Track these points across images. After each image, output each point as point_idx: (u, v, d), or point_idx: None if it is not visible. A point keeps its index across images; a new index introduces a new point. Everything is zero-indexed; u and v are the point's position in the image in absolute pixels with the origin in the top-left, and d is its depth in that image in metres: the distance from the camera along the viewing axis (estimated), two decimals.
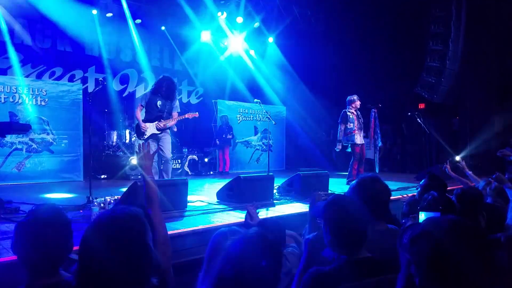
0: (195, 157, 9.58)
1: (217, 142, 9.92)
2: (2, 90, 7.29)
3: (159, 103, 6.00)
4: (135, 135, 8.76)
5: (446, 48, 9.42)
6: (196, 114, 6.40)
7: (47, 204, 1.62)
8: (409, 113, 10.65)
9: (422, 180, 3.02)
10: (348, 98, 7.15)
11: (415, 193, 3.25)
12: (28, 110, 7.51)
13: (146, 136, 5.92)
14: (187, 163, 9.36)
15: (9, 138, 7.17)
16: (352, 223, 1.68)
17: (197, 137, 10.75)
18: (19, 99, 7.44)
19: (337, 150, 7.08)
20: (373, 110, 7.45)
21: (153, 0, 10.12)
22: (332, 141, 12.19)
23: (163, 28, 10.73)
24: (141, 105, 6.11)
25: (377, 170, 7.69)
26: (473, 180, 4.19)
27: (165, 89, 6.00)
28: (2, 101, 7.29)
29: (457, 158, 6.05)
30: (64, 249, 1.52)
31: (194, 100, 12.18)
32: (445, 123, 10.84)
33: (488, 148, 9.63)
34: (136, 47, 10.80)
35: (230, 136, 9.96)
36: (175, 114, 6.15)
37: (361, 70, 11.02)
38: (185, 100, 11.95)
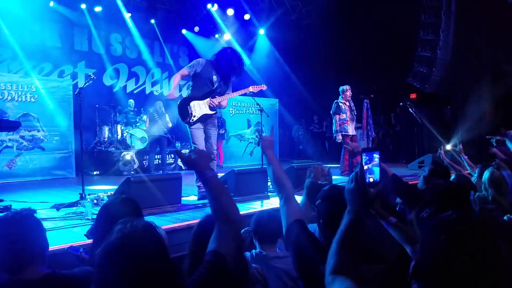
0: (188, 151, 9.54)
1: None
2: None
3: (214, 78, 4.76)
4: (126, 130, 8.71)
5: (437, 38, 9.44)
6: (264, 87, 5.30)
7: (22, 209, 1.61)
8: (401, 103, 10.72)
9: (426, 169, 3.01)
10: (340, 88, 7.16)
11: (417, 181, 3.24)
12: (18, 107, 7.41)
13: (195, 119, 4.69)
14: None
15: None
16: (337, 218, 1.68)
17: None
18: (8, 96, 7.33)
19: (339, 141, 7.02)
20: (365, 101, 7.48)
21: None
22: (325, 132, 12.25)
23: (152, 21, 10.62)
24: (188, 73, 4.77)
25: None
26: (468, 166, 4.21)
27: (229, 65, 4.74)
28: None
29: (448, 147, 6.09)
30: (35, 249, 1.53)
31: (186, 94, 12.09)
32: (437, 112, 10.91)
33: (479, 136, 9.72)
34: (126, 41, 10.70)
35: (223, 131, 9.92)
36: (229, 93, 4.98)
37: (353, 61, 11.02)
38: (177, 93, 11.86)
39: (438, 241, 0.96)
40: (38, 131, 7.65)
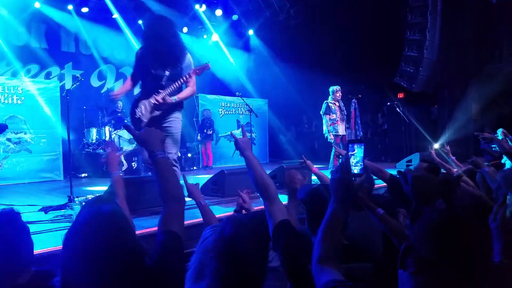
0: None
1: (198, 137, 9.86)
2: None
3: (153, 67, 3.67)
4: (115, 132, 8.64)
5: (424, 37, 9.57)
6: (208, 66, 4.08)
7: (3, 210, 1.58)
8: (389, 103, 10.84)
9: (417, 165, 3.07)
10: (331, 88, 7.21)
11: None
12: (4, 109, 7.30)
13: (143, 124, 3.64)
14: None
15: None
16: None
17: None
18: None
19: (331, 141, 7.04)
20: (353, 100, 7.55)
21: None
22: (314, 132, 12.32)
23: (140, 22, 10.55)
24: (131, 76, 3.89)
25: None
26: (455, 166, 4.28)
27: (160, 39, 3.56)
28: None
29: (436, 146, 6.19)
30: (23, 254, 1.50)
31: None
32: (424, 111, 11.07)
33: (465, 135, 9.89)
34: (114, 42, 10.61)
35: (211, 132, 9.89)
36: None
37: (340, 61, 11.10)
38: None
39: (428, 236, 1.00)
40: (25, 133, 7.55)
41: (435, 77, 10.08)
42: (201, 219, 2.40)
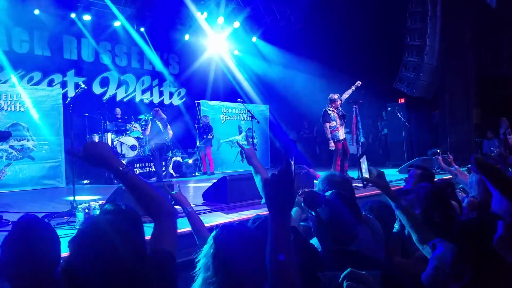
0: (179, 158, 9.54)
1: (198, 143, 9.88)
2: None
3: None
4: (117, 138, 8.68)
5: (423, 43, 9.61)
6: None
7: (30, 217, 1.60)
8: (389, 108, 10.87)
9: (411, 171, 3.09)
10: (329, 96, 7.15)
11: (401, 186, 3.31)
12: (7, 117, 7.35)
13: None
14: (171, 165, 9.31)
15: None
16: (343, 224, 1.71)
17: (180, 138, 10.73)
18: None
19: (332, 148, 7.03)
20: (354, 106, 7.54)
21: (131, 2, 10.02)
22: (315, 137, 12.34)
23: (142, 29, 10.65)
24: None
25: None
26: (459, 174, 4.29)
27: None
28: None
29: (438, 151, 6.20)
30: (52, 262, 1.51)
31: (176, 101, 12.12)
32: (425, 116, 11.08)
33: (467, 140, 9.91)
34: (116, 49, 10.70)
35: (211, 137, 9.91)
36: None
37: (340, 67, 11.16)
38: (167, 101, 11.88)
39: None
40: (28, 140, 7.59)
41: (435, 82, 10.11)
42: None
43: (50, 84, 9.35)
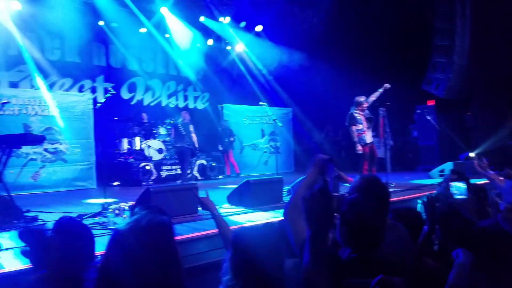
0: (203, 162, 9.67)
1: (220, 147, 9.99)
2: (16, 103, 7.45)
3: None
4: (144, 141, 8.90)
5: (453, 43, 9.37)
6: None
7: (69, 218, 1.72)
8: (419, 110, 10.60)
9: (446, 176, 3.06)
10: (356, 99, 6.99)
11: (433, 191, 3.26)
12: (41, 121, 7.68)
13: None
14: (196, 168, 9.47)
15: (24, 149, 7.32)
16: (369, 227, 1.69)
17: (205, 142, 10.86)
18: (32, 110, 7.62)
19: (360, 152, 6.91)
20: (381, 108, 7.37)
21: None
22: (340, 141, 12.18)
23: (167, 36, 10.85)
24: None
25: (388, 169, 7.54)
26: (495, 179, 4.16)
27: None
28: (16, 113, 7.46)
29: (471, 154, 6.00)
30: (88, 258, 1.61)
31: (200, 106, 12.28)
32: (457, 119, 10.74)
33: (503, 144, 9.50)
34: (142, 55, 10.96)
35: (232, 139, 10.00)
36: None
37: (367, 69, 11.00)
38: (191, 105, 12.06)
39: None
40: (61, 144, 7.90)
41: (465, 83, 9.81)
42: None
43: (80, 89, 9.68)
